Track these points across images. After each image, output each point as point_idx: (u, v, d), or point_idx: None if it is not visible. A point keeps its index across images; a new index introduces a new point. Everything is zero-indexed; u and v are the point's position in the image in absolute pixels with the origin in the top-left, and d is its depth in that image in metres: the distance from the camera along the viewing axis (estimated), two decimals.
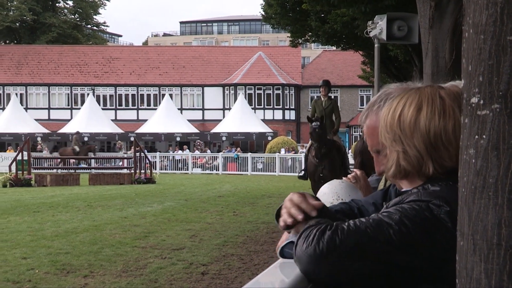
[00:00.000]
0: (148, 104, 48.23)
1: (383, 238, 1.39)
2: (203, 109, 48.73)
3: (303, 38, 22.28)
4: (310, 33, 20.50)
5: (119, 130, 42.92)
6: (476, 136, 1.13)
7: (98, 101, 46.25)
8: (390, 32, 9.90)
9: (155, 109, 44.93)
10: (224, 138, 42.22)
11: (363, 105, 46.67)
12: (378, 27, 10.29)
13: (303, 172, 12.83)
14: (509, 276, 1.08)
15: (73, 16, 63.94)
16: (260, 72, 48.30)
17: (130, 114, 48.17)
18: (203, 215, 13.30)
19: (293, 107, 48.52)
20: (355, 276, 1.39)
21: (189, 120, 44.32)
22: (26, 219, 12.57)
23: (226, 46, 67.36)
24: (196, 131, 43.15)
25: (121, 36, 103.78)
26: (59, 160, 32.81)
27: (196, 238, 10.17)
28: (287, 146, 36.81)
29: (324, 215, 1.51)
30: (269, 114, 47.27)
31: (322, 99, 13.07)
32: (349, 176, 2.65)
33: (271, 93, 47.75)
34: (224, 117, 45.30)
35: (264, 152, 37.83)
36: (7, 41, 61.44)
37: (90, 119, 41.75)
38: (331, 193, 2.64)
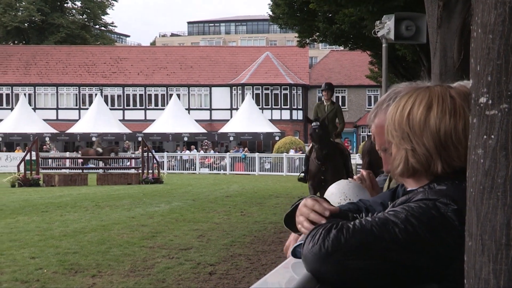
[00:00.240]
0: (156, 104, 48.31)
1: (389, 236, 1.39)
2: (210, 109, 48.77)
3: (310, 38, 22.24)
4: (317, 33, 20.47)
5: (127, 130, 43.03)
6: (485, 136, 1.13)
7: (106, 101, 46.38)
8: (398, 32, 9.87)
9: (163, 109, 45.01)
10: (231, 138, 42.25)
11: (371, 105, 46.60)
12: (386, 27, 10.26)
13: (303, 174, 12.17)
14: None
15: (81, 17, 64.15)
16: (268, 72, 48.29)
17: (138, 114, 48.27)
18: (210, 215, 13.31)
19: (300, 107, 48.49)
20: (361, 274, 1.39)
21: (196, 120, 44.39)
22: (34, 219, 12.62)
23: (233, 46, 67.39)
24: (204, 131, 43.21)
25: (129, 36, 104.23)
26: (81, 160, 32.67)
27: (204, 238, 10.18)
28: (295, 146, 36.79)
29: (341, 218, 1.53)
30: (276, 114, 47.26)
31: (325, 103, 12.49)
32: (355, 176, 2.64)
33: (279, 93, 47.73)
34: (231, 117, 45.33)
35: (272, 152, 37.84)
36: (16, 42, 61.72)
37: (98, 119, 41.91)
38: (338, 193, 2.64)
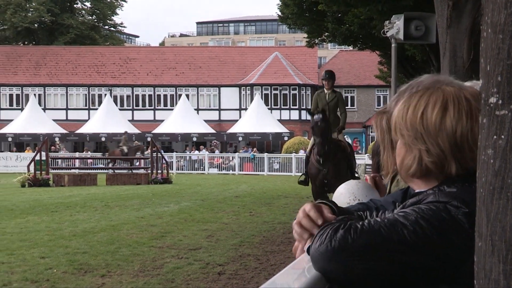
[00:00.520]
0: (165, 105, 48.39)
1: (397, 238, 1.38)
2: (219, 110, 48.80)
3: (319, 38, 22.21)
4: (326, 33, 20.44)
5: (136, 131, 43.13)
6: (495, 136, 1.12)
7: (115, 101, 46.49)
8: (408, 32, 9.84)
9: (172, 109, 45.08)
10: (240, 139, 42.26)
11: (380, 105, 46.45)
12: (395, 27, 10.23)
13: (303, 176, 11.30)
14: None
15: (90, 17, 64.37)
16: (277, 72, 48.26)
17: (147, 115, 48.36)
18: (219, 215, 13.32)
19: (309, 107, 48.36)
20: (368, 275, 1.39)
21: (205, 121, 44.43)
22: (44, 219, 12.67)
23: (242, 46, 67.42)
24: (213, 131, 43.26)
25: (138, 36, 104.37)
26: (109, 160, 32.55)
27: (213, 238, 10.19)
28: (304, 147, 36.75)
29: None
30: (285, 114, 47.21)
31: (326, 91, 11.44)
32: (366, 176, 2.65)
33: (288, 93, 47.69)
34: (240, 117, 45.33)
35: (281, 153, 37.81)
36: (26, 42, 61.98)
37: (107, 120, 42.04)
38: (347, 193, 2.64)
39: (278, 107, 47.32)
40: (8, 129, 42.77)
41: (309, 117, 49.91)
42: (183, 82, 48.87)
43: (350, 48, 29.21)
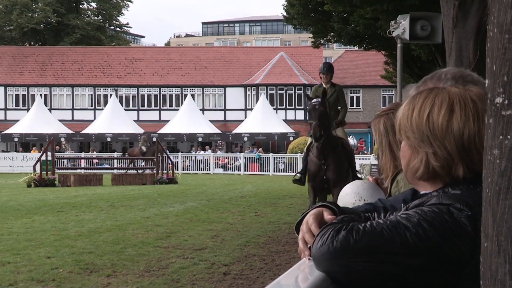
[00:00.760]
0: (170, 105, 48.43)
1: (399, 240, 1.38)
2: (225, 110, 48.82)
3: (325, 39, 22.19)
4: (332, 34, 20.43)
5: (142, 131, 43.19)
6: (501, 137, 1.12)
7: (121, 101, 46.59)
8: (413, 31, 9.83)
9: (177, 109, 45.13)
10: (245, 139, 42.28)
11: (385, 106, 46.35)
12: (401, 27, 10.22)
13: (299, 175, 10.49)
14: None
15: (96, 18, 64.48)
16: (282, 72, 48.25)
17: (153, 115, 48.42)
18: (224, 216, 13.33)
19: None
20: (369, 276, 1.39)
21: (211, 121, 44.46)
22: (50, 219, 12.71)
23: (248, 46, 67.41)
24: (218, 131, 43.28)
25: (143, 37, 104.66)
26: (128, 160, 32.36)
27: (218, 238, 10.19)
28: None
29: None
30: (290, 115, 47.19)
31: (324, 86, 10.59)
32: (368, 177, 2.65)
33: (293, 93, 47.66)
34: (245, 117, 45.34)
35: (286, 153, 37.79)
36: (32, 43, 62.15)
37: (113, 120, 42.14)
38: (353, 193, 2.63)
39: (284, 107, 47.30)
40: (14, 129, 42.92)
41: None
42: (188, 82, 48.91)
43: (356, 48, 29.16)
